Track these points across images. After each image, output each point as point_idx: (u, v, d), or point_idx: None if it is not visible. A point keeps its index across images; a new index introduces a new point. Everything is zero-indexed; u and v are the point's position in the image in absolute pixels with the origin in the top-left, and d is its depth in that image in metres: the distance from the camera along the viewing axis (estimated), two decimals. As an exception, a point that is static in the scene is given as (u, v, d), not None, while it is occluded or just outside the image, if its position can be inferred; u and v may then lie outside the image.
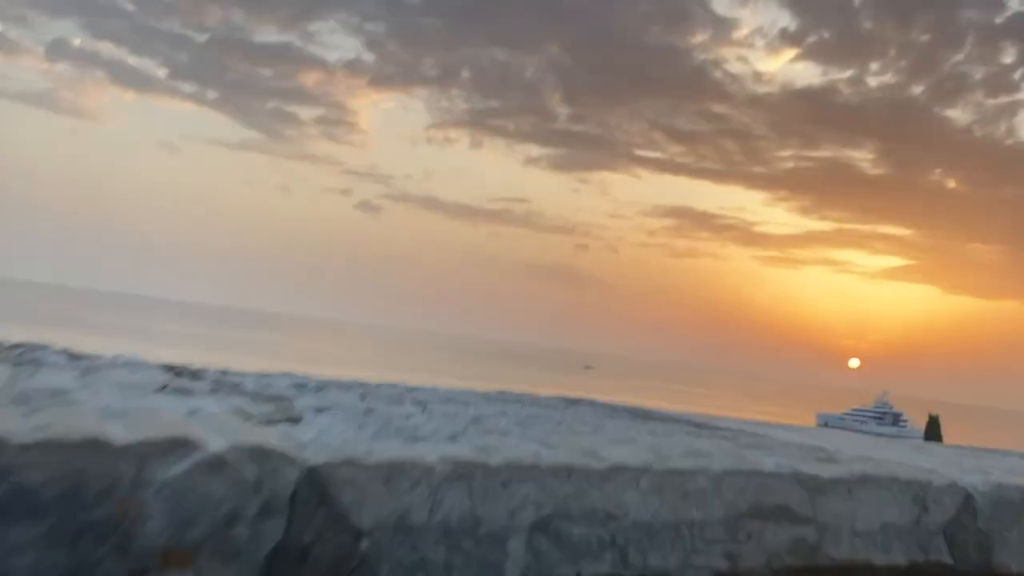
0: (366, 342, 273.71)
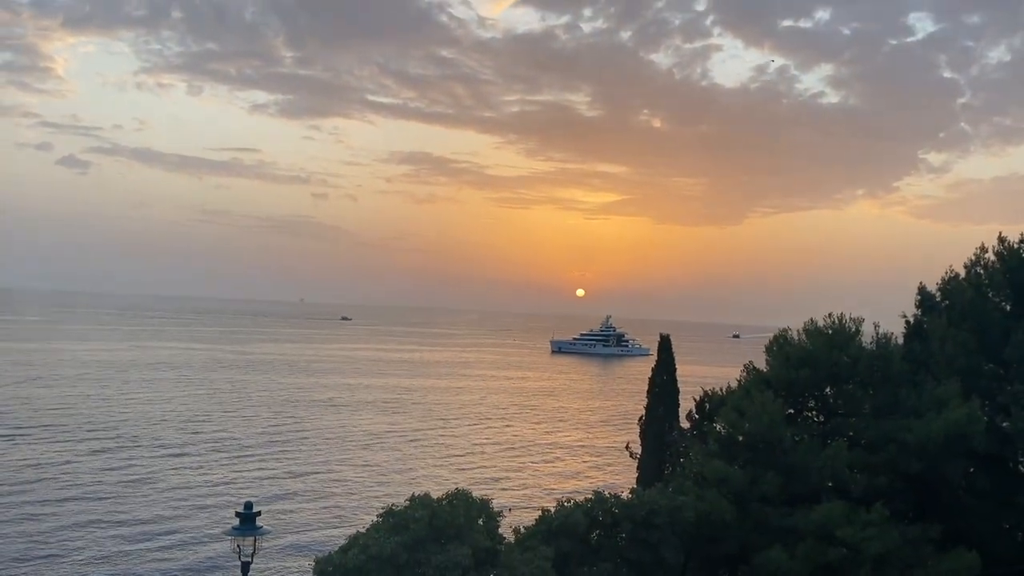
0: (81, 315, 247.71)
